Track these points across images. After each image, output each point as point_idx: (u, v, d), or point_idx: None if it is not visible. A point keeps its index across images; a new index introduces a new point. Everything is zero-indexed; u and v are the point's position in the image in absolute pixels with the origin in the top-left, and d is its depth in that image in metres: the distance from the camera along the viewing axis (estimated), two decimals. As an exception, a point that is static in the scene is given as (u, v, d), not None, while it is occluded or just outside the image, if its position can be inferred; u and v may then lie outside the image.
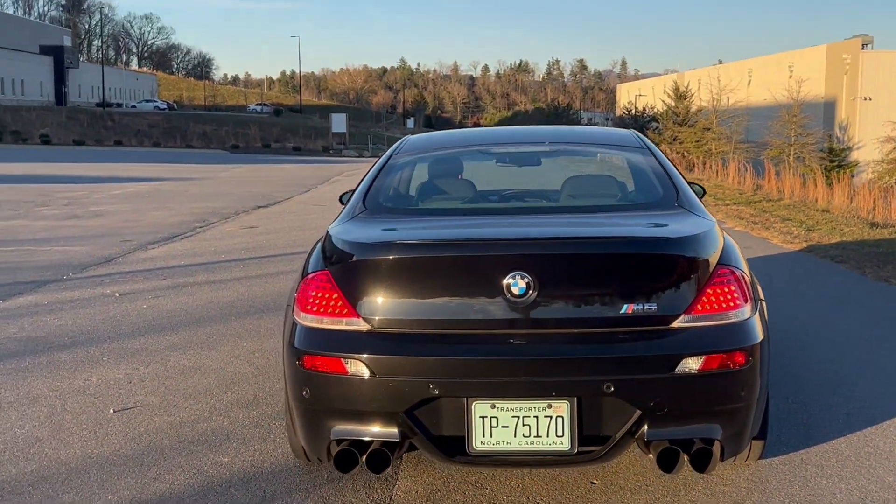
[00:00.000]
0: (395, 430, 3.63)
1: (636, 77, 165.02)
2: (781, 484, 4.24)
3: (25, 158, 40.42)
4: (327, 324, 3.77)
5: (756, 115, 46.83)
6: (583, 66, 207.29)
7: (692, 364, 3.55)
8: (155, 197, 21.64)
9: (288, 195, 22.68)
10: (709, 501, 4.04)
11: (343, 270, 3.84)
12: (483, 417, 3.58)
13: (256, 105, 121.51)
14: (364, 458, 3.67)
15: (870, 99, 53.32)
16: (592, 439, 3.61)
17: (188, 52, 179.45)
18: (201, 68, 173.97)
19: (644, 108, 57.32)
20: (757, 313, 3.80)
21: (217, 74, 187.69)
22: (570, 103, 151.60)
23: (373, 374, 3.61)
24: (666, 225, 4.13)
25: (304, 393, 3.77)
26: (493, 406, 3.58)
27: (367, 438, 3.68)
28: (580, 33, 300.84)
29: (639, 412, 3.55)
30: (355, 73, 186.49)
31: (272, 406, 5.46)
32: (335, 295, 3.78)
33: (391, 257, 3.81)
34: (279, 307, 8.24)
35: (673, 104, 46.45)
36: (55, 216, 16.79)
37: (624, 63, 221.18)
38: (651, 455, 3.66)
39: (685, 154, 39.36)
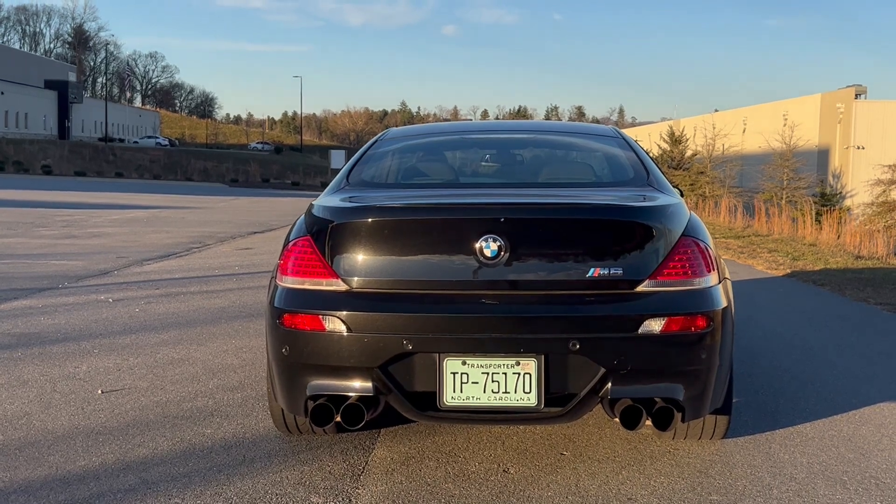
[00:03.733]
0: (369, 384, 3.78)
1: (633, 124, 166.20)
2: (745, 458, 4.36)
3: (26, 186, 40.62)
4: (308, 285, 3.93)
5: (750, 162, 47.21)
6: (581, 113, 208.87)
7: (655, 325, 3.71)
8: (153, 222, 21.80)
9: (284, 223, 22.83)
10: (673, 472, 4.16)
11: (323, 235, 4.00)
12: (454, 373, 3.74)
13: (257, 143, 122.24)
14: (339, 412, 3.82)
15: (863, 148, 53.72)
16: (559, 397, 3.78)
17: (191, 90, 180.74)
18: (204, 107, 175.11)
19: (640, 153, 57.67)
20: (721, 284, 3.98)
21: (219, 113, 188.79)
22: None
23: (349, 330, 3.76)
24: (634, 197, 4.31)
25: (284, 350, 3.92)
26: (464, 363, 3.73)
27: (342, 393, 3.82)
28: (579, 81, 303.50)
29: (603, 370, 3.71)
30: (356, 114, 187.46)
31: (257, 390, 5.57)
32: (315, 258, 3.95)
33: (369, 220, 3.97)
34: (269, 311, 8.42)
35: (668, 148, 46.85)
36: (53, 235, 16.93)
37: (622, 111, 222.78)
38: (615, 418, 3.81)
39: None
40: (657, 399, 3.78)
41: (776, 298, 10.25)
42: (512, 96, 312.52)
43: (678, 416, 3.78)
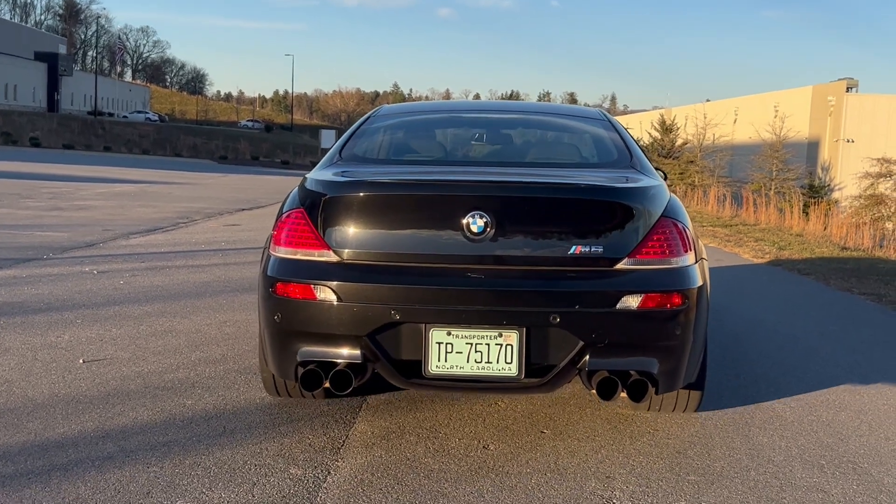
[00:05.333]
0: (358, 352, 3.89)
1: (625, 112, 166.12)
2: (724, 439, 4.38)
3: (13, 158, 40.31)
4: (300, 255, 4.03)
5: (740, 152, 47.30)
6: (573, 99, 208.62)
7: (632, 301, 3.84)
8: (140, 196, 21.71)
9: (273, 201, 22.75)
10: (652, 451, 4.17)
11: (316, 207, 4.08)
12: (439, 343, 3.86)
13: (248, 121, 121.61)
14: (328, 378, 3.94)
15: (852, 141, 53.87)
16: (538, 368, 3.90)
17: (182, 66, 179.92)
18: (195, 83, 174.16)
19: (630, 140, 57.65)
20: (697, 264, 4.10)
21: (210, 90, 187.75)
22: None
23: (340, 299, 3.86)
24: (616, 178, 4.39)
25: (276, 317, 4.02)
26: (449, 333, 3.85)
27: (332, 360, 3.94)
28: (572, 67, 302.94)
29: (581, 343, 3.84)
30: (348, 95, 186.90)
31: (239, 363, 5.56)
32: (308, 230, 4.05)
33: (361, 194, 4.08)
34: (255, 288, 8.39)
35: (659, 137, 46.88)
36: (39, 207, 16.83)
37: (614, 98, 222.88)
38: (592, 390, 3.94)
39: (668, 186, 39.67)
40: (632, 372, 3.91)
41: (761, 286, 10.29)
42: (505, 80, 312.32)
43: (652, 389, 3.93)
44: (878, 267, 11.73)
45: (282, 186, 31.06)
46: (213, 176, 38.38)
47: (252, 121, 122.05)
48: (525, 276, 3.91)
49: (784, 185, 36.88)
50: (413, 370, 3.90)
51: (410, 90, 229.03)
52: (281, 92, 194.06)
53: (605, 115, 5.68)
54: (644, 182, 4.29)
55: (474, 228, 3.86)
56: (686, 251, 4.03)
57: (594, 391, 3.90)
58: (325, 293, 3.88)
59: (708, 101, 76.09)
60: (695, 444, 4.28)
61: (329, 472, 3.77)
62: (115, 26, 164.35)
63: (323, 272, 3.93)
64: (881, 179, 28.29)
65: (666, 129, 47.07)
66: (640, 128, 68.90)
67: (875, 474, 3.98)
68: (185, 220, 15.84)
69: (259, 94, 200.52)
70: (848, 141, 54.49)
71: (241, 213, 18.18)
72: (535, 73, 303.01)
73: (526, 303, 3.85)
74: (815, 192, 37.34)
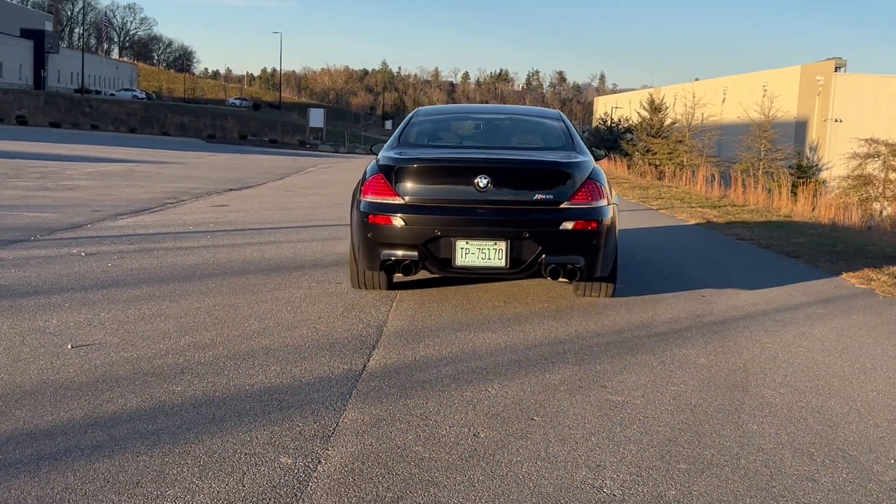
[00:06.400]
0: (415, 253, 6.60)
1: (614, 91, 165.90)
2: (714, 427, 4.38)
3: (0, 136, 40.08)
4: (381, 200, 6.73)
5: (728, 132, 47.28)
6: (562, 77, 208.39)
7: (569, 225, 6.55)
8: (128, 176, 21.59)
9: (261, 181, 22.69)
10: (643, 439, 4.17)
11: (389, 173, 6.82)
12: (461, 248, 6.57)
13: (235, 99, 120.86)
14: (400, 268, 6.62)
15: (840, 121, 53.94)
16: (517, 262, 6.56)
17: (170, 43, 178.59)
18: (182, 61, 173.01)
19: (619, 120, 57.66)
20: (609, 206, 6.82)
21: (198, 68, 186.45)
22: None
23: (405, 224, 6.58)
24: (563, 156, 7.21)
25: (369, 235, 6.67)
26: (467, 242, 6.56)
27: (401, 258, 6.62)
28: (561, 46, 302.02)
29: (540, 248, 6.54)
30: (336, 73, 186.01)
31: (228, 349, 5.53)
32: (386, 186, 6.76)
33: (414, 165, 6.90)
34: (245, 271, 8.40)
35: (648, 116, 46.84)
36: (26, 187, 16.72)
37: (602, 77, 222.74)
38: (546, 275, 6.56)
39: (657, 165, 39.66)
40: (569, 265, 6.56)
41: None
42: (494, 59, 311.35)
43: (580, 274, 6.62)
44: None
45: (270, 166, 30.96)
46: (201, 155, 38.19)
47: (240, 99, 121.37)
48: (509, 212, 6.64)
49: (772, 165, 36.94)
50: (447, 264, 6.61)
51: (399, 68, 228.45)
52: (269, 70, 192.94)
53: (560, 116, 8.72)
54: (579, 159, 7.10)
55: (481, 185, 6.61)
56: (601, 198, 6.77)
57: (548, 276, 6.56)
58: (398, 220, 6.59)
59: (697, 80, 76.10)
60: (685, 432, 4.28)
61: (319, 462, 3.76)
62: (102, 3, 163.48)
63: (396, 209, 6.64)
64: (869, 160, 28.30)
65: (655, 108, 47.04)
66: (629, 107, 68.89)
67: (864, 462, 3.99)
68: (172, 200, 15.76)
69: (247, 72, 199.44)
70: (836, 121, 54.54)
71: (229, 194, 18.09)
72: (524, 52, 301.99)
73: (510, 226, 6.54)
74: (803, 172, 37.43)
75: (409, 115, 8.63)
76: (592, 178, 6.82)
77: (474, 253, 6.53)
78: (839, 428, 4.45)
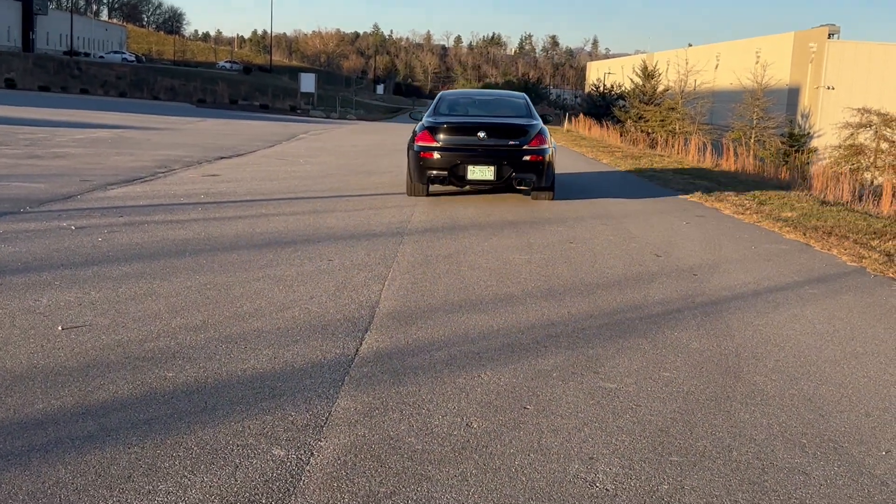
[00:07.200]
0: (445, 173, 12.41)
1: (607, 56, 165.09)
2: (706, 416, 4.38)
3: (-12, 101, 39.70)
4: (426, 144, 12.44)
5: (721, 99, 47.14)
6: (555, 42, 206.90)
7: (528, 157, 12.38)
8: (118, 143, 21.42)
9: (252, 149, 22.55)
10: (635, 429, 4.17)
11: (431, 130, 12.54)
12: (470, 170, 12.33)
13: (226, 62, 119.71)
14: (436, 180, 12.62)
15: (833, 88, 53.81)
16: (500, 177, 12.32)
17: (159, 5, 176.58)
18: (172, 23, 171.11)
19: (612, 86, 57.39)
20: (550, 148, 12.72)
21: (188, 30, 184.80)
22: (541, 78, 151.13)
23: (440, 156, 12.39)
24: (524, 120, 13.09)
25: (421, 163, 12.44)
26: (473, 166, 12.33)
27: (439, 173, 12.46)
28: (554, 9, 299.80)
29: (512, 170, 12.35)
30: (327, 36, 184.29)
31: (220, 331, 5.50)
32: (430, 136, 12.46)
33: (444, 125, 12.68)
34: (236, 247, 8.38)
35: (641, 83, 46.62)
36: (16, 155, 16.58)
37: (595, 42, 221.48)
38: (517, 186, 12.58)
39: (649, 132, 39.56)
40: (527, 179, 12.43)
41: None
42: (487, 22, 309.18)
43: (532, 185, 12.55)
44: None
45: (261, 133, 30.77)
46: (191, 121, 37.91)
47: (230, 62, 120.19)
48: (495, 150, 12.39)
49: (764, 133, 36.85)
50: (462, 179, 12.41)
51: (391, 31, 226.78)
52: (259, 32, 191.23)
53: (524, 97, 14.83)
54: (533, 122, 12.95)
55: (480, 136, 12.41)
56: (545, 144, 12.51)
57: (516, 185, 12.50)
58: (436, 154, 12.33)
59: (690, 45, 75.61)
60: (677, 422, 4.28)
61: (312, 454, 3.74)
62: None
63: (435, 149, 12.34)
64: (861, 129, 28.26)
65: (648, 75, 46.79)
66: (621, 72, 68.61)
67: (856, 454, 3.99)
68: (163, 169, 15.66)
69: (238, 35, 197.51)
70: (828, 88, 54.39)
71: (220, 162, 17.98)
72: (517, 15, 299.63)
73: (496, 158, 12.32)
74: (795, 140, 37.35)
75: (438, 96, 14.85)
76: (540, 133, 12.78)
77: (476, 172, 12.35)
78: (831, 417, 4.45)
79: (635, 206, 13.55)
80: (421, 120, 13.19)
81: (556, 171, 13.83)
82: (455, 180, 12.37)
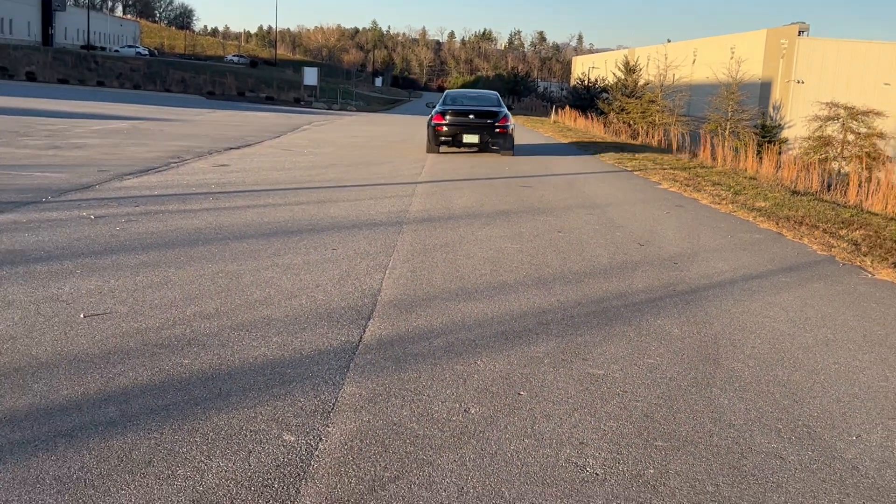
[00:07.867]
0: (451, 138, 20.21)
1: (591, 51, 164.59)
2: (688, 402, 4.38)
3: (10, 92, 39.38)
4: (439, 122, 20.22)
5: (698, 92, 47.02)
6: (542, 37, 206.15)
7: (498, 130, 20.21)
8: (133, 134, 21.31)
9: (259, 140, 22.45)
10: (622, 414, 4.17)
11: (442, 114, 20.30)
12: (466, 137, 20.19)
13: (234, 56, 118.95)
14: (445, 143, 20.43)
15: (802, 82, 53.72)
16: (483, 142, 20.33)
17: (171, 1, 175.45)
18: (182, 18, 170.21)
19: (596, 80, 57.24)
20: (511, 125, 20.75)
21: (197, 25, 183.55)
22: (529, 72, 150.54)
23: (448, 128, 20.16)
24: (497, 109, 20.88)
25: (436, 129, 20.24)
26: (466, 134, 20.16)
27: (448, 138, 20.26)
28: (541, 6, 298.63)
29: (489, 138, 20.30)
30: (329, 31, 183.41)
31: (232, 319, 5.48)
32: (442, 118, 20.21)
33: (449, 110, 20.48)
34: (245, 236, 8.33)
35: (623, 77, 46.50)
36: (37, 146, 16.47)
37: (580, 37, 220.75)
38: (490, 147, 20.64)
39: (631, 123, 39.48)
40: (497, 143, 20.41)
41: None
42: (478, 18, 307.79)
43: (500, 147, 20.52)
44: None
45: (267, 124, 30.62)
46: (201, 112, 37.70)
47: (238, 56, 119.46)
48: (479, 126, 20.17)
49: (739, 125, 36.79)
50: (461, 142, 20.16)
51: (388, 27, 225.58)
52: (265, 27, 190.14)
53: (497, 94, 23.30)
54: (502, 110, 20.91)
55: (470, 117, 20.25)
56: (508, 122, 20.47)
57: (491, 147, 20.40)
58: (445, 127, 20.08)
59: (669, 41, 75.42)
60: (661, 407, 4.28)
61: (320, 439, 3.73)
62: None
63: (444, 124, 20.07)
64: (829, 122, 28.23)
65: (629, 69, 46.67)
66: (605, 67, 68.45)
67: (828, 439, 4.00)
68: (176, 160, 15.58)
69: (244, 30, 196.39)
70: (798, 82, 54.33)
71: (229, 153, 17.89)
72: (507, 12, 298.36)
73: (480, 130, 20.14)
74: (767, 131, 37.27)
75: (444, 94, 22.31)
76: (505, 116, 20.25)
77: (469, 139, 19.80)
78: (804, 403, 4.46)
79: (614, 194, 13.64)
80: (435, 107, 21.02)
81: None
82: (455, 143, 20.11)
